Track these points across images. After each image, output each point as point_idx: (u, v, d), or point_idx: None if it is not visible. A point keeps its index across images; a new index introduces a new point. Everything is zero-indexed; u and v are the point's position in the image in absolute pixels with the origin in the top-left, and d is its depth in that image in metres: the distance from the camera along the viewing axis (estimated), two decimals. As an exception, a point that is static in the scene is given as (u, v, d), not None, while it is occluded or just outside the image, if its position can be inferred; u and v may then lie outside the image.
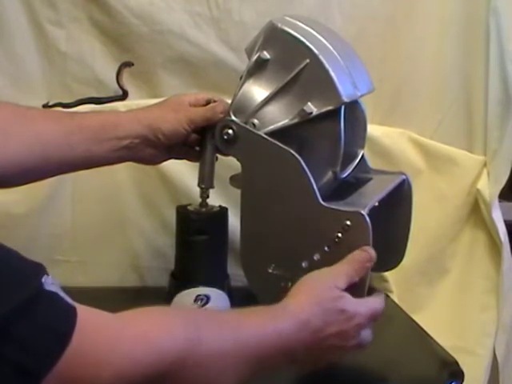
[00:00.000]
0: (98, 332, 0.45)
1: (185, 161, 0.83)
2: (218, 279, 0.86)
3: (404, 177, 0.85)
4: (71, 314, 0.43)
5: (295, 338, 0.58)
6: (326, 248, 0.69)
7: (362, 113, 0.81)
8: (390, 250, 0.86)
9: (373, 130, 1.02)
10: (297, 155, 0.69)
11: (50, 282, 0.44)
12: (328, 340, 0.61)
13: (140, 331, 0.47)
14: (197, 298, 0.83)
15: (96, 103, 1.00)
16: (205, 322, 0.52)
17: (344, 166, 0.75)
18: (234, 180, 0.80)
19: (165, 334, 0.48)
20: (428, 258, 1.10)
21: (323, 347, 0.61)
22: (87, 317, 0.44)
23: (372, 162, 0.87)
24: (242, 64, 0.83)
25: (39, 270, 0.46)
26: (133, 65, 1.00)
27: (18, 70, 0.98)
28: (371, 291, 0.74)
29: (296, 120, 0.71)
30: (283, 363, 0.59)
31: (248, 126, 0.72)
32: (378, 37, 1.05)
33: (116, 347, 0.45)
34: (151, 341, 0.47)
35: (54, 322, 0.42)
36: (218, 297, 0.84)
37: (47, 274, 0.45)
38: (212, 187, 0.81)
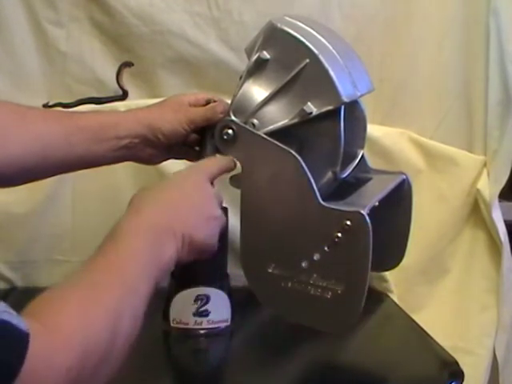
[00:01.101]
0: (44, 358, 0.42)
1: (185, 161, 0.83)
2: (218, 279, 0.86)
3: (404, 177, 0.85)
4: (23, 343, 0.41)
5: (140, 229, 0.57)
6: (325, 248, 0.69)
7: (361, 113, 0.81)
8: (390, 250, 0.86)
9: (373, 130, 1.02)
10: (297, 155, 0.69)
11: (2, 310, 0.41)
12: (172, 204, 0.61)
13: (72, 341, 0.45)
14: (197, 298, 0.83)
15: (96, 103, 1.00)
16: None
17: (344, 166, 0.75)
18: (234, 180, 0.80)
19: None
20: (428, 257, 1.10)
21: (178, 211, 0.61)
22: (37, 345, 0.41)
23: (372, 162, 0.87)
24: (242, 64, 0.83)
25: None
26: (133, 65, 1.00)
27: (18, 70, 0.98)
28: (371, 291, 0.74)
29: (296, 120, 0.71)
30: (167, 254, 0.57)
31: (248, 126, 0.72)
32: (377, 37, 1.05)
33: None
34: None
35: (4, 354, 0.40)
36: (217, 297, 0.85)
37: None
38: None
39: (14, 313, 0.42)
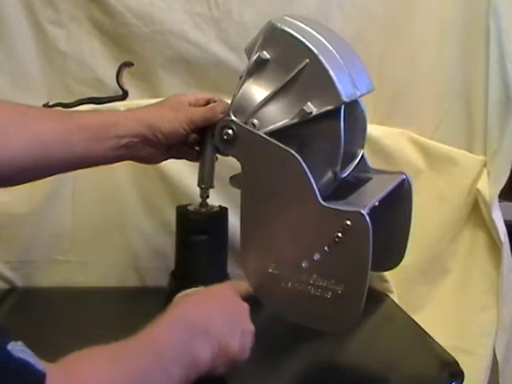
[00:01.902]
0: None
1: (185, 161, 0.83)
2: (218, 279, 0.86)
3: (404, 176, 0.85)
4: (39, 382, 0.41)
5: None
6: (325, 248, 0.69)
7: (361, 112, 0.81)
8: (390, 250, 0.86)
9: (373, 130, 1.02)
10: (297, 155, 0.69)
11: (20, 349, 0.41)
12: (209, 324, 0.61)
13: None
14: (197, 298, 0.83)
15: (96, 103, 1.00)
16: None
17: (344, 166, 0.75)
18: (234, 180, 0.80)
19: None
20: (428, 257, 1.10)
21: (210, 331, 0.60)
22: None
23: (372, 162, 0.87)
24: (242, 64, 0.83)
25: (5, 336, 0.42)
26: (133, 65, 1.00)
27: (18, 70, 0.98)
28: (371, 291, 0.74)
29: (296, 120, 0.71)
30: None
31: (248, 126, 0.72)
32: (377, 37, 1.05)
33: None
34: None
35: None
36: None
37: (15, 340, 0.42)
38: (212, 187, 0.81)
39: (30, 352, 0.42)
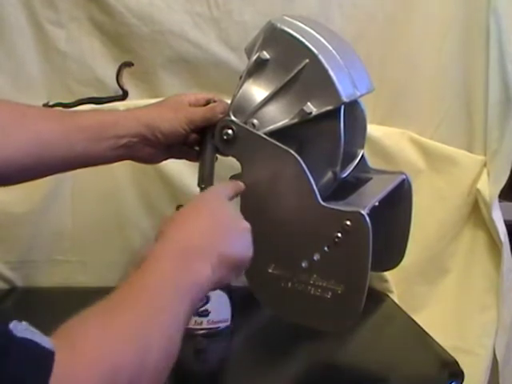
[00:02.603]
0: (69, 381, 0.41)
1: (184, 161, 0.83)
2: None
3: (404, 176, 0.85)
4: (48, 362, 0.39)
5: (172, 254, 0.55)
6: (325, 248, 0.69)
7: (361, 112, 0.81)
8: (390, 250, 0.86)
9: (373, 130, 1.02)
10: (297, 155, 0.69)
11: (23, 328, 0.40)
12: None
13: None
14: (197, 298, 0.83)
15: (96, 103, 1.00)
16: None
17: (344, 166, 0.75)
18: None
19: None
20: (428, 257, 1.10)
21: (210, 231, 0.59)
22: (62, 368, 0.40)
23: (372, 162, 0.87)
24: (242, 64, 0.83)
25: (6, 316, 0.42)
26: (133, 65, 1.00)
27: (18, 70, 0.98)
28: (371, 291, 0.74)
29: (296, 120, 0.71)
30: (205, 278, 0.55)
31: (248, 126, 0.72)
32: (378, 37, 1.05)
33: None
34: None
35: (28, 372, 0.38)
36: (217, 297, 0.85)
37: (18, 321, 0.41)
38: (212, 187, 0.81)
39: (37, 331, 0.41)
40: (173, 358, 0.49)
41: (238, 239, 0.61)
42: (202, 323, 0.84)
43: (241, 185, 0.72)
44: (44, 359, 0.39)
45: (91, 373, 0.42)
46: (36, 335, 0.40)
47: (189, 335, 0.84)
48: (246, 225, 0.63)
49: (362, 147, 0.83)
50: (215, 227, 0.60)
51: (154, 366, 0.47)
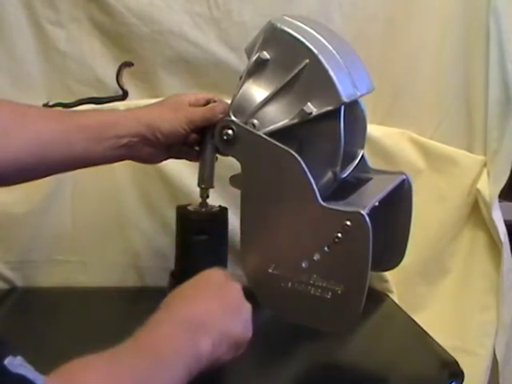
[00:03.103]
0: None
1: (184, 161, 0.83)
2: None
3: (404, 177, 0.85)
4: None
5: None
6: (325, 248, 0.69)
7: (361, 113, 0.81)
8: (390, 250, 0.86)
9: (373, 130, 1.02)
10: (297, 155, 0.69)
11: (18, 364, 0.40)
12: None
13: None
14: (197, 298, 0.83)
15: (96, 103, 1.00)
16: None
17: (344, 166, 0.75)
18: (234, 180, 0.80)
19: None
20: (428, 257, 1.10)
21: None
22: None
23: (372, 162, 0.87)
24: (242, 64, 0.83)
25: (2, 351, 0.41)
26: (133, 65, 1.00)
27: (18, 70, 0.98)
28: (371, 291, 0.74)
29: (296, 120, 0.71)
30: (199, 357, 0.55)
31: (248, 127, 0.72)
32: (377, 37, 1.05)
33: None
34: None
35: None
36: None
37: (13, 355, 0.41)
38: (212, 187, 0.81)
39: (30, 367, 0.41)
40: None
41: (241, 320, 0.62)
42: (202, 323, 0.84)
43: None
44: None
45: None
46: (30, 372, 0.41)
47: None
48: (249, 306, 0.64)
49: (362, 147, 0.83)
50: (221, 306, 0.61)
51: None
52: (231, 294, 0.64)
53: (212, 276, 0.66)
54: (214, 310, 0.60)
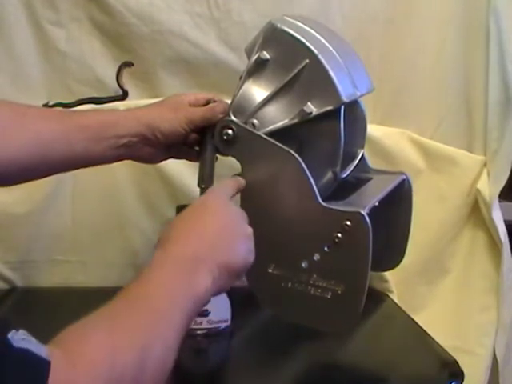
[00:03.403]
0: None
1: (184, 160, 0.83)
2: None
3: (404, 177, 0.85)
4: (43, 371, 0.39)
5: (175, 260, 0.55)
6: (325, 248, 0.69)
7: (361, 112, 0.81)
8: (390, 250, 0.86)
9: (373, 130, 1.02)
10: (297, 155, 0.69)
11: (21, 338, 0.40)
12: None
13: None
14: (197, 298, 0.83)
15: (96, 103, 1.00)
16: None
17: (344, 166, 0.75)
18: (234, 180, 0.80)
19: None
20: (428, 257, 1.10)
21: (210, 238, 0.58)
22: (59, 374, 0.40)
23: (372, 162, 0.87)
24: (242, 64, 0.83)
25: (4, 326, 0.41)
26: (133, 65, 1.00)
27: (18, 70, 0.98)
28: (371, 291, 0.74)
29: (296, 120, 0.71)
30: (207, 285, 0.54)
31: (248, 127, 0.72)
32: (377, 37, 1.05)
33: None
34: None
35: (24, 382, 0.39)
36: (217, 297, 0.84)
37: (16, 329, 0.41)
38: (212, 187, 0.81)
39: (34, 340, 0.41)
40: (169, 368, 0.49)
41: (241, 245, 0.61)
42: (201, 323, 0.84)
43: (241, 181, 0.71)
44: (40, 369, 0.40)
45: (90, 378, 0.42)
46: (33, 345, 0.41)
47: (189, 335, 0.85)
48: (249, 230, 0.62)
49: (362, 147, 0.83)
50: (217, 234, 0.60)
51: (152, 374, 0.47)
52: (228, 220, 0.62)
53: (208, 202, 0.64)
54: (212, 240, 0.58)
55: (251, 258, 0.61)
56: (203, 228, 0.60)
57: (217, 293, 0.57)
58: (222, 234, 0.60)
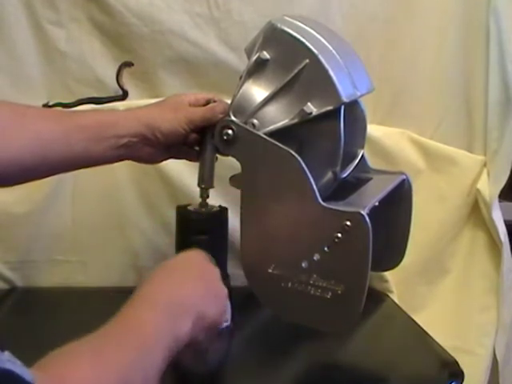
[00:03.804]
0: None
1: (185, 161, 0.83)
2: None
3: (404, 176, 0.85)
4: None
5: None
6: (325, 248, 0.69)
7: (361, 112, 0.81)
8: (390, 250, 0.86)
9: (373, 130, 1.02)
10: (297, 155, 0.69)
11: (6, 359, 0.40)
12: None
13: None
14: (197, 298, 0.83)
15: (96, 103, 1.00)
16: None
17: (344, 166, 0.75)
18: (234, 180, 0.80)
19: None
20: (428, 257, 1.10)
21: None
22: None
23: (372, 162, 0.87)
24: (242, 64, 0.83)
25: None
26: (133, 65, 1.00)
27: (18, 70, 0.98)
28: (371, 291, 0.74)
29: (296, 120, 0.71)
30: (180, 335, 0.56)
31: (248, 127, 0.72)
32: (377, 37, 1.05)
33: None
34: None
35: None
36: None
37: (1, 350, 0.41)
38: (212, 187, 0.81)
39: (18, 362, 0.41)
40: None
41: (217, 303, 0.63)
42: (202, 323, 0.84)
43: None
44: None
45: None
46: (17, 367, 0.40)
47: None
48: (226, 291, 0.65)
49: (362, 147, 0.83)
50: (201, 288, 0.62)
51: None
52: (211, 277, 0.64)
53: (192, 258, 0.66)
54: (194, 291, 0.61)
55: (223, 317, 0.65)
56: (187, 279, 0.62)
57: (191, 342, 0.58)
58: (204, 288, 0.62)
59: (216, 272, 0.66)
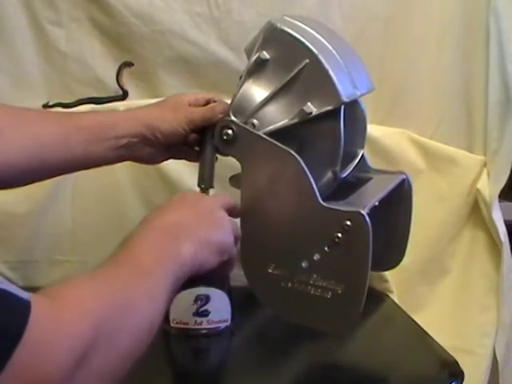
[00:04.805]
0: (50, 324, 0.42)
1: (184, 161, 0.83)
2: (218, 279, 0.86)
3: (404, 176, 0.85)
4: (23, 310, 0.40)
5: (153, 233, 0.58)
6: (325, 248, 0.69)
7: (361, 112, 0.81)
8: (390, 250, 0.86)
9: (373, 130, 1.02)
10: (297, 155, 0.69)
11: (0, 280, 0.41)
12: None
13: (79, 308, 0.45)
14: (197, 298, 0.83)
15: (96, 103, 1.00)
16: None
17: (344, 166, 0.75)
18: (234, 180, 0.80)
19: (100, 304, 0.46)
20: (428, 257, 1.10)
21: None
22: (41, 311, 0.41)
23: (372, 162, 0.87)
24: (241, 64, 0.83)
25: None
26: (133, 65, 1.00)
27: (18, 70, 0.98)
28: (371, 291, 0.74)
29: (296, 120, 0.71)
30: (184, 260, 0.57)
31: (247, 127, 0.72)
32: (377, 37, 1.05)
33: (64, 333, 0.43)
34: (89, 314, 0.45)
35: (4, 319, 0.39)
36: (217, 297, 0.85)
37: None
38: (212, 187, 0.81)
39: (14, 286, 0.42)
40: (156, 323, 0.50)
41: (217, 226, 0.63)
42: (201, 323, 0.84)
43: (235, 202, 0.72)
44: (20, 307, 0.40)
45: (75, 314, 0.43)
46: (12, 287, 0.41)
47: (189, 335, 0.85)
48: (224, 214, 0.65)
49: (362, 147, 0.83)
50: (196, 216, 0.62)
51: (136, 323, 0.48)
52: (205, 205, 0.65)
53: (186, 194, 0.68)
54: (189, 218, 0.61)
55: (229, 238, 0.64)
56: (183, 212, 0.62)
57: (201, 266, 0.58)
58: (201, 217, 0.63)
59: (212, 200, 0.67)
